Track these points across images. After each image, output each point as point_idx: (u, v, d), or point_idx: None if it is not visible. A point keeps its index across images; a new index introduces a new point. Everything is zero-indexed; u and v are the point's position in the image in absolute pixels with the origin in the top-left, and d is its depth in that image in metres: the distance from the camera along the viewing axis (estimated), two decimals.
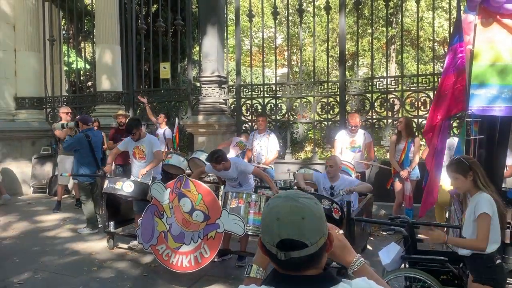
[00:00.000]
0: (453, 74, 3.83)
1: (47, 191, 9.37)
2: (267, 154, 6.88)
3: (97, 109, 9.49)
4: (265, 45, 9.89)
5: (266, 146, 6.90)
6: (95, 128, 7.46)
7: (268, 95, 8.55)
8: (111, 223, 5.55)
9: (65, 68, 13.20)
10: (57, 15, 10.99)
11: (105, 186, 5.43)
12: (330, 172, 5.00)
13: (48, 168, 9.53)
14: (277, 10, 8.61)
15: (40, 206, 8.17)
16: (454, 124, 6.91)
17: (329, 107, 8.10)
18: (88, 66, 15.92)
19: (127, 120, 7.21)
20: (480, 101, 3.42)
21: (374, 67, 16.39)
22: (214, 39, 8.33)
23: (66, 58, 12.44)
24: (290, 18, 18.71)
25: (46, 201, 8.64)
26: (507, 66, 3.32)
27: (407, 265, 3.61)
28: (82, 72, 14.53)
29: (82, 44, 14.02)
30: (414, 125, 7.00)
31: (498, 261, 2.77)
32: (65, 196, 8.58)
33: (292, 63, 18.97)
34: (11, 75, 9.88)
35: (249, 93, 8.68)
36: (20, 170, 9.57)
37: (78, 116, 7.21)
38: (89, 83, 14.60)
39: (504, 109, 3.34)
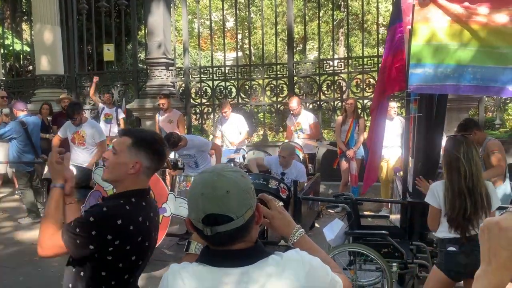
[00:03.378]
0: (391, 54, 3.92)
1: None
2: (236, 136, 6.82)
3: (37, 93, 9.00)
4: (215, 27, 9.72)
5: (235, 128, 6.84)
6: (40, 115, 7.13)
7: (217, 78, 8.45)
8: None
9: (3, 51, 12.40)
10: None
11: (45, 172, 5.19)
12: (282, 162, 5.04)
13: None
14: None
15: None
16: (398, 104, 7.15)
17: (278, 89, 8.13)
18: (27, 49, 15.04)
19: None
20: (418, 79, 3.53)
21: (323, 50, 16.64)
22: (160, 18, 8.09)
23: (3, 40, 11.67)
24: (241, 0, 18.54)
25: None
26: (442, 45, 3.43)
27: (351, 240, 3.73)
28: (21, 55, 13.73)
29: (20, 25, 13.17)
30: (360, 106, 7.19)
31: (451, 248, 2.78)
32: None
33: (245, 46, 18.86)
34: None
35: (198, 76, 8.54)
36: None
37: (13, 102, 6.82)
38: (30, 67, 13.79)
39: (440, 87, 3.47)
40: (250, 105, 8.34)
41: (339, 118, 6.59)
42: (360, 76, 7.69)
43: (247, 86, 8.35)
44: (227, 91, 8.47)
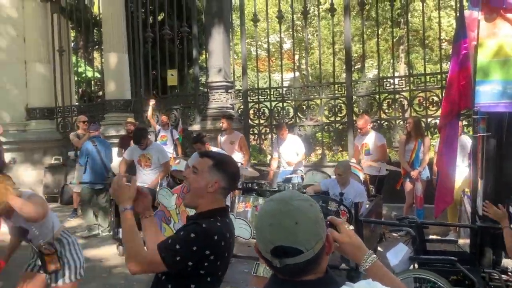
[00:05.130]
0: (457, 70, 3.78)
1: (59, 200, 9.44)
2: (293, 157, 6.82)
3: (107, 117, 9.57)
4: (272, 49, 9.90)
5: (291, 149, 6.86)
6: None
7: (275, 99, 8.54)
8: (120, 229, 5.57)
9: (76, 78, 13.38)
10: (66, 26, 11.14)
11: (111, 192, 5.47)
12: (339, 180, 4.96)
13: (59, 177, 9.62)
14: (283, 13, 8.62)
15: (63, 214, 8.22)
16: (465, 122, 6.82)
17: (336, 109, 8.06)
18: (98, 75, 16.11)
19: (135, 127, 7.31)
20: (485, 97, 3.37)
21: (383, 68, 16.31)
22: (219, 44, 8.38)
23: (76, 68, 12.59)
24: (297, 22, 18.75)
25: (58, 209, 8.70)
26: (510, 60, 3.26)
27: (416, 266, 3.56)
28: (92, 81, 14.70)
29: (92, 54, 14.18)
30: (423, 125, 6.93)
31: None
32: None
33: (301, 66, 18.93)
34: (22, 86, 10.04)
35: (256, 97, 8.69)
36: (32, 180, 9.69)
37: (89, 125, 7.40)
38: (100, 93, 14.77)
39: (509, 104, 3.28)
40: (308, 125, 8.32)
41: (403, 137, 6.38)
42: (422, 94, 7.44)
43: (304, 106, 8.36)
44: (284, 111, 8.53)
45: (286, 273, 1.10)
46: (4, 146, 7.98)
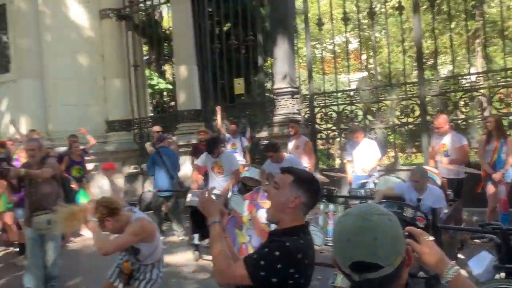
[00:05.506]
0: None
1: (138, 207, 9.98)
2: (368, 162, 6.67)
3: (179, 127, 9.98)
4: (338, 50, 9.76)
5: (366, 154, 6.71)
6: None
7: (342, 102, 8.40)
8: (196, 235, 5.78)
9: (149, 90, 14.12)
10: (139, 42, 11.80)
11: (188, 199, 5.69)
12: (416, 186, 4.75)
13: (137, 185, 10.19)
14: (347, 13, 8.48)
15: None
16: None
17: (408, 109, 7.75)
18: (169, 87, 16.88)
19: (207, 136, 7.58)
20: None
21: (458, 64, 15.42)
22: (284, 50, 8.43)
23: (149, 81, 13.29)
24: (363, 21, 18.31)
25: None
26: None
27: (503, 276, 3.32)
28: (165, 93, 15.43)
29: (163, 67, 14.92)
30: (505, 123, 6.45)
31: None
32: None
33: (369, 66, 18.46)
34: (101, 101, 10.78)
35: (323, 101, 8.60)
36: (112, 188, 10.33)
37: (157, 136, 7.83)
38: (172, 103, 15.45)
39: None
40: (379, 128, 8.08)
41: (482, 138, 5.97)
42: (503, 90, 6.93)
43: (374, 108, 8.14)
44: (353, 114, 8.36)
45: (366, 287, 1.09)
46: (88, 157, 8.57)
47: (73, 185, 7.17)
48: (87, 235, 7.39)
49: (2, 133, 9.73)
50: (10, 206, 6.35)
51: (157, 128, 8.75)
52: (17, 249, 6.42)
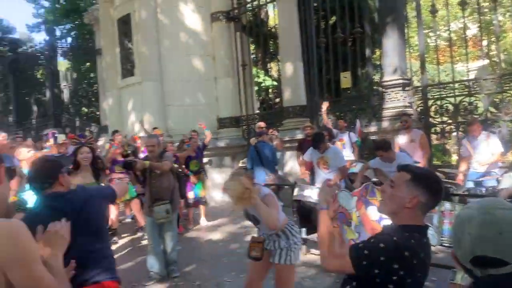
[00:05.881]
0: None
1: None
2: (487, 157, 6.17)
3: (285, 123, 10.14)
4: (454, 37, 9.05)
5: (486, 148, 6.21)
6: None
7: (460, 93, 7.78)
8: (303, 229, 5.83)
9: (256, 88, 14.56)
10: (247, 42, 12.22)
11: (295, 193, 5.78)
12: None
13: None
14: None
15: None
16: None
17: None
18: (275, 84, 17.22)
19: (313, 131, 7.59)
20: None
21: None
22: (394, 41, 8.08)
23: (256, 79, 13.70)
24: (483, 4, 16.68)
25: None
26: None
27: None
28: (270, 90, 15.79)
29: (269, 64, 15.25)
30: None
31: None
32: None
33: (491, 53, 16.81)
34: (213, 100, 11.42)
35: (438, 92, 8.06)
36: (223, 182, 10.87)
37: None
38: (277, 100, 15.76)
39: None
40: (503, 121, 7.33)
41: None
42: None
43: (497, 99, 7.40)
44: (472, 106, 7.69)
45: (488, 284, 1.04)
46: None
47: (192, 178, 7.72)
48: (203, 224, 7.93)
49: (128, 130, 10.85)
50: (136, 195, 7.12)
51: (261, 124, 9.01)
52: (142, 234, 7.14)
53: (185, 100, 11.04)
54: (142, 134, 8.93)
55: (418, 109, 8.30)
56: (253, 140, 8.44)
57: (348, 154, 7.80)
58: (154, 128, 8.83)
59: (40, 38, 54.54)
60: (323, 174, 5.94)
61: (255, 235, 3.70)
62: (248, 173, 3.53)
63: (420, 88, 8.34)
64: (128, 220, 8.40)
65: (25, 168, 5.50)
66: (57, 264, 1.63)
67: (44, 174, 2.36)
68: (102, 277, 2.33)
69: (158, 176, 5.15)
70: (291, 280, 3.60)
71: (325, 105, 8.38)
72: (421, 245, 1.71)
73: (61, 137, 8.39)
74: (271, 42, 13.54)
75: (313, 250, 5.86)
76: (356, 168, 6.66)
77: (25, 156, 5.65)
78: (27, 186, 5.43)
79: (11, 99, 18.51)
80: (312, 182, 7.60)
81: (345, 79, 9.45)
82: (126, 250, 6.71)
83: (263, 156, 7.25)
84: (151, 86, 10.84)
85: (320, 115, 9.36)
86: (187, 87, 11.02)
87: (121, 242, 7.16)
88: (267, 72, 16.20)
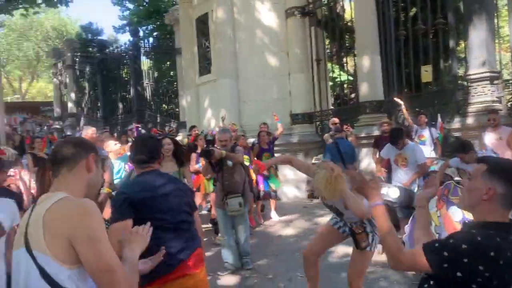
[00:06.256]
0: None
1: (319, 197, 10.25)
2: None
3: (360, 119, 9.89)
4: None
5: None
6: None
7: None
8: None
9: (331, 83, 14.34)
10: (322, 36, 12.08)
11: None
12: None
13: None
14: None
15: (316, 210, 9.02)
16: None
17: None
18: (350, 79, 16.84)
19: (390, 127, 7.32)
20: None
21: None
22: (481, 30, 7.53)
23: (330, 74, 13.49)
24: None
25: (320, 206, 9.49)
26: None
27: None
28: (345, 85, 15.48)
29: (344, 59, 14.95)
30: None
31: None
32: None
33: None
34: (286, 95, 11.44)
35: None
36: (295, 178, 10.84)
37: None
38: (352, 95, 15.41)
39: None
40: None
41: None
42: None
43: None
44: None
45: None
46: (275, 148, 9.23)
47: (265, 171, 7.81)
48: (274, 218, 8.00)
49: (204, 126, 11.24)
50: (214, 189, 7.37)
51: (335, 120, 8.86)
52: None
53: (259, 96, 11.20)
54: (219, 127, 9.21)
55: (508, 104, 7.68)
56: (326, 136, 8.33)
57: (428, 151, 7.44)
58: (233, 124, 9.08)
59: (124, 39, 58.15)
60: (400, 172, 5.72)
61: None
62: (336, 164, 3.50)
63: (510, 82, 7.70)
64: (204, 212, 8.71)
65: (112, 159, 5.94)
66: (132, 255, 1.74)
67: (149, 149, 2.61)
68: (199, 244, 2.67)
69: (230, 169, 5.32)
70: (366, 267, 3.69)
71: (400, 100, 8.08)
72: (507, 243, 1.60)
73: (143, 132, 8.93)
74: (347, 36, 13.24)
75: None
76: (437, 166, 6.34)
77: (113, 149, 6.12)
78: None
79: (99, 96, 20.00)
80: (389, 180, 7.35)
81: (426, 73, 8.99)
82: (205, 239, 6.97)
83: (343, 153, 7.16)
84: (227, 83, 11.13)
85: (399, 111, 9.00)
86: (261, 84, 11.16)
87: None
88: (342, 67, 15.89)
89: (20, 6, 19.51)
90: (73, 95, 21.08)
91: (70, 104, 21.10)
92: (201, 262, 2.64)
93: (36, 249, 1.48)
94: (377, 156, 7.16)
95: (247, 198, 5.59)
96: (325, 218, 7.98)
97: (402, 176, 5.71)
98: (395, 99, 8.41)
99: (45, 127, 20.45)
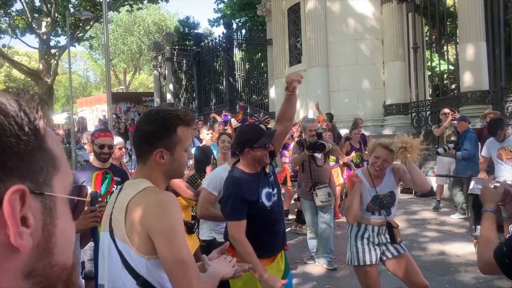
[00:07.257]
0: None
1: (413, 192, 9.73)
2: None
3: (461, 110, 9.20)
4: None
5: None
6: None
7: None
8: (478, 227, 5.27)
9: (429, 72, 13.51)
10: (420, 23, 11.41)
11: (470, 187, 5.25)
12: None
13: None
14: None
15: (407, 205, 8.62)
16: None
17: None
18: (451, 68, 15.72)
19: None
20: None
21: None
22: None
23: (429, 63, 12.71)
24: None
25: (411, 201, 9.06)
26: None
27: None
28: (445, 75, 14.45)
29: (445, 47, 13.96)
30: None
31: None
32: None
33: None
34: (380, 85, 11.02)
35: None
36: None
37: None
38: (453, 86, 14.37)
39: None
40: None
41: None
42: None
43: None
44: None
45: None
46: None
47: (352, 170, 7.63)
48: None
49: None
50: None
51: (445, 110, 8.30)
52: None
53: (350, 85, 10.95)
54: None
55: None
56: (435, 127, 7.95)
57: None
58: (328, 114, 8.97)
59: (219, 31, 60.23)
60: (505, 166, 5.22)
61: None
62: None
63: None
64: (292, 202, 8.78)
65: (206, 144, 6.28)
66: (215, 273, 1.68)
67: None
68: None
69: (319, 160, 5.28)
70: (415, 263, 3.46)
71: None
72: None
73: (234, 122, 9.16)
74: (448, 22, 12.32)
75: None
76: None
77: (205, 136, 6.46)
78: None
79: (194, 87, 20.98)
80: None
81: None
82: (287, 229, 7.04)
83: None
84: (316, 73, 11.03)
85: (507, 102, 8.23)
86: (353, 73, 10.90)
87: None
88: (442, 56, 14.86)
89: (126, 3, 21.18)
90: (171, 86, 22.40)
91: (168, 95, 22.46)
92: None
93: (118, 237, 1.55)
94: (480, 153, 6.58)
95: (334, 188, 5.53)
96: (418, 216, 7.62)
97: (507, 170, 5.21)
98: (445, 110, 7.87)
99: None
